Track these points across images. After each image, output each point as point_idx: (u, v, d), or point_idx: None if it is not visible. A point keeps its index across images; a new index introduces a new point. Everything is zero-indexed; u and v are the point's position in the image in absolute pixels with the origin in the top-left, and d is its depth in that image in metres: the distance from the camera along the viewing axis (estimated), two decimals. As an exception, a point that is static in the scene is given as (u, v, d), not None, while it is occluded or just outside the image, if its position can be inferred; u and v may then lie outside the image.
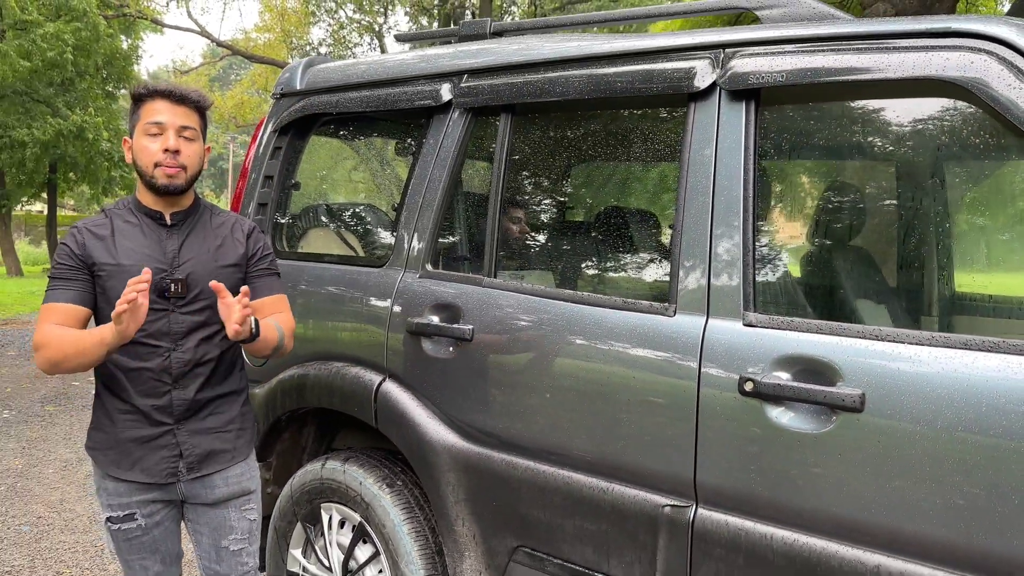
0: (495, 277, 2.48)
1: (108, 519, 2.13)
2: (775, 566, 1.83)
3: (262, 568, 2.84)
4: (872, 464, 1.71)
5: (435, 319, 2.52)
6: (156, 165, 2.04)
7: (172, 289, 2.06)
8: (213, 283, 1.95)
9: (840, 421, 1.75)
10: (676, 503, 2.00)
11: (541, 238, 3.11)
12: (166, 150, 2.03)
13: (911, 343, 1.71)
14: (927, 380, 1.67)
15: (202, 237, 2.14)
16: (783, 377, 1.85)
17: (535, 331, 2.30)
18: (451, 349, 2.48)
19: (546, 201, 3.25)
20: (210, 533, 2.23)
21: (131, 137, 2.10)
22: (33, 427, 6.45)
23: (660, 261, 2.61)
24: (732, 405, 1.91)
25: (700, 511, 1.97)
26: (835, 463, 1.75)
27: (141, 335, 2.02)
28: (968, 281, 3.15)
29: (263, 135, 3.21)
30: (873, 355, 1.75)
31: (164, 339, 2.06)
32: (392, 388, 2.63)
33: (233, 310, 1.94)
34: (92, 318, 2.10)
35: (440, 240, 2.69)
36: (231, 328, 1.94)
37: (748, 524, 1.88)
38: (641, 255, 2.80)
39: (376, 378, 2.68)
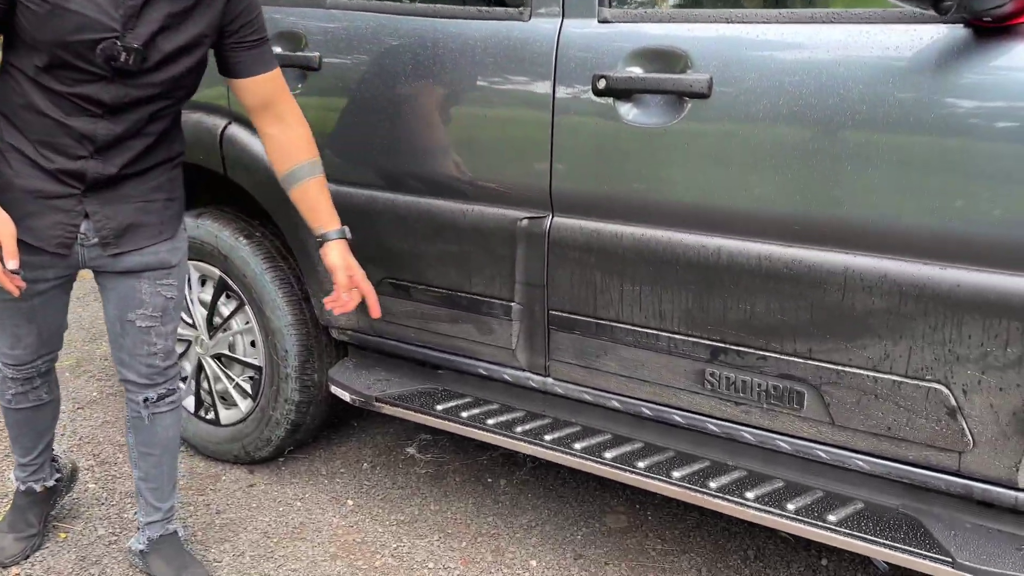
0: (340, -2, 2.28)
1: None
2: (625, 260, 1.87)
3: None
4: (718, 149, 1.72)
5: (277, 49, 2.31)
6: None
7: (123, 59, 1.61)
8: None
9: (689, 110, 1.74)
10: (533, 215, 2.00)
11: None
12: None
13: (759, 22, 1.68)
14: (772, 58, 1.66)
15: None
16: (636, 72, 1.80)
17: (388, 52, 2.15)
18: (299, 85, 2.30)
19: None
20: (117, 302, 1.93)
21: None
22: None
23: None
24: (586, 106, 1.87)
25: (556, 219, 1.97)
26: (683, 154, 1.76)
27: (67, 89, 1.64)
28: None
29: None
30: (722, 39, 1.71)
31: (95, 105, 1.67)
32: (238, 131, 2.46)
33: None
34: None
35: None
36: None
37: (600, 225, 1.90)
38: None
39: (220, 122, 2.49)
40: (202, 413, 2.81)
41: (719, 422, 1.91)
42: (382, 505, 2.55)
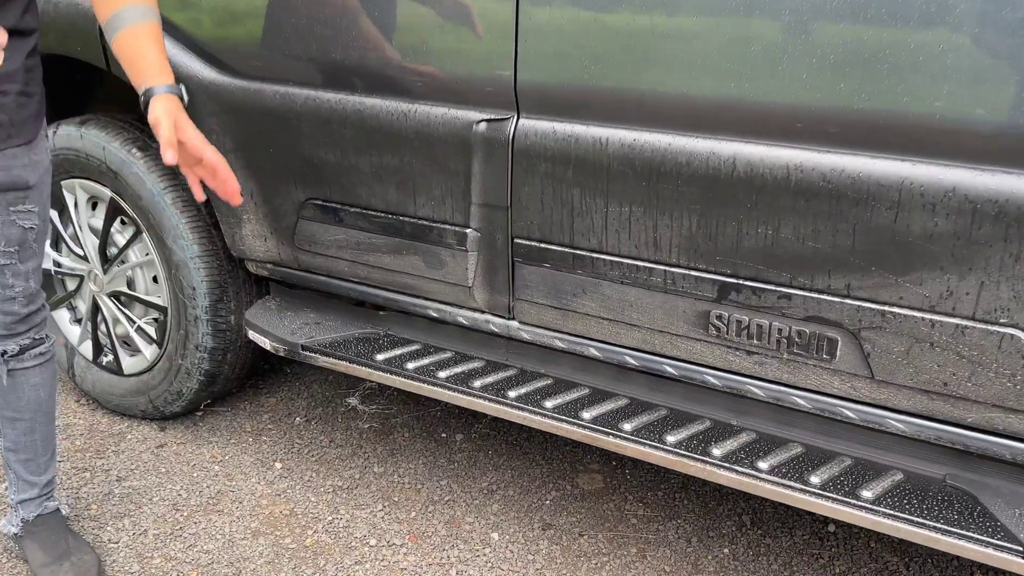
0: None
1: None
2: (611, 174, 1.47)
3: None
4: (735, 21, 1.31)
5: (164, -96, 1.80)
6: None
7: None
8: None
9: (699, -28, 1.32)
10: (493, 116, 1.57)
11: None
12: None
13: None
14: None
15: None
16: (628, -79, 1.36)
17: (301, -95, 1.66)
18: (195, -48, 1.81)
19: None
20: None
21: None
22: None
23: None
24: (562, -30, 1.43)
25: (522, 122, 1.55)
26: (689, 27, 1.35)
27: None
28: None
29: None
30: None
31: None
32: (122, 14, 1.95)
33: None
34: None
35: None
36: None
37: (579, 129, 1.49)
38: None
39: (99, 2, 1.98)
40: (102, 360, 2.38)
41: (722, 374, 1.55)
42: (316, 468, 2.17)
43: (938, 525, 1.30)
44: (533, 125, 1.53)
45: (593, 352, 1.68)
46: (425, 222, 1.72)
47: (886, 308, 1.31)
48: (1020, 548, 1.24)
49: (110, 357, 2.35)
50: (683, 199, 1.42)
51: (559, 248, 1.58)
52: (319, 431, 2.34)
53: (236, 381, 2.37)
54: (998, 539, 1.26)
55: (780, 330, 1.42)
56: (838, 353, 1.39)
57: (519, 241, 1.62)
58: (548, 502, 2.05)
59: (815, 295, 1.37)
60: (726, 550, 1.89)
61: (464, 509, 2.02)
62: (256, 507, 2.03)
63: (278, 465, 2.19)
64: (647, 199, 1.45)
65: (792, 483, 1.42)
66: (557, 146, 1.51)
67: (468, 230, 1.67)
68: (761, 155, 1.34)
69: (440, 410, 2.42)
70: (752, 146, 1.35)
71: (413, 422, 2.38)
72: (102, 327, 2.35)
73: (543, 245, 1.60)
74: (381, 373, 1.80)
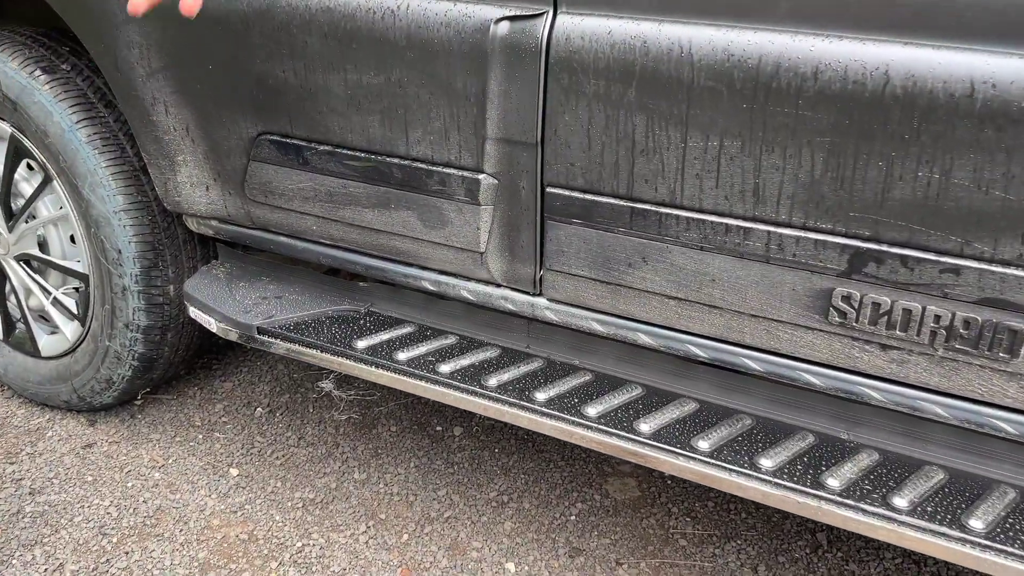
0: None
1: None
2: (694, 92, 1.02)
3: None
4: None
5: None
6: None
7: None
8: None
9: None
10: (519, 12, 1.11)
11: None
12: None
13: None
14: None
15: None
16: None
17: None
18: None
19: None
20: None
21: None
22: None
23: None
24: None
25: (562, 19, 1.09)
26: None
27: None
28: None
29: None
30: None
31: None
32: None
33: None
34: None
35: None
36: None
37: (647, 28, 1.04)
38: None
39: None
40: (14, 338, 1.92)
41: (832, 373, 1.13)
42: (282, 476, 1.74)
43: None
44: (578, 24, 1.08)
45: (645, 340, 1.25)
46: (421, 165, 1.26)
47: (1113, 289, 0.89)
48: None
49: (24, 335, 1.89)
50: (804, 128, 0.98)
51: (612, 201, 1.14)
52: (285, 425, 1.90)
53: (181, 365, 1.92)
54: None
55: (938, 317, 1.00)
56: (1022, 350, 0.97)
57: (553, 191, 1.17)
58: (573, 517, 1.65)
59: (998, 268, 0.94)
60: (802, 581, 1.50)
61: (470, 529, 1.61)
62: (205, 529, 1.60)
63: (234, 472, 1.75)
64: (749, 129, 1.01)
65: (943, 529, 1.01)
66: (614, 53, 1.05)
67: (481, 176, 1.22)
68: (930, 62, 0.90)
69: (434, 397, 1.99)
70: (915, 49, 0.91)
71: (400, 411, 1.95)
72: (11, 298, 1.88)
73: (589, 196, 1.15)
74: (363, 367, 1.36)
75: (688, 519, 1.65)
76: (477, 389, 1.28)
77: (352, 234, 1.40)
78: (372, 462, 1.79)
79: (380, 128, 1.27)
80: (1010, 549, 0.98)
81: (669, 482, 1.74)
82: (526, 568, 1.52)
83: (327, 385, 2.04)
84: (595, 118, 1.10)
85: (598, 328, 1.28)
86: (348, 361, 1.38)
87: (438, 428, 1.90)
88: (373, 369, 1.36)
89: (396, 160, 1.28)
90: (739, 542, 1.59)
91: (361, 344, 1.39)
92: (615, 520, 1.64)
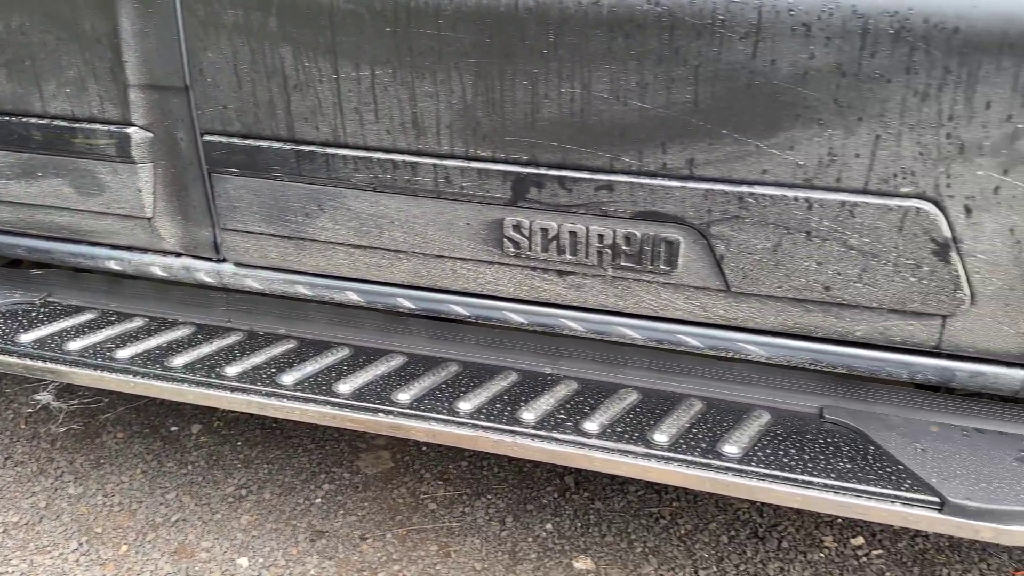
0: None
1: None
2: (337, 16, 0.95)
3: None
4: None
5: None
6: None
7: None
8: None
9: None
10: (144, -58, 0.99)
11: None
12: None
13: None
14: None
15: None
16: None
17: None
18: None
19: None
20: None
21: None
22: None
23: None
24: None
25: (191, -53, 0.98)
26: None
27: None
28: None
29: None
30: None
31: None
32: None
33: None
34: None
35: None
36: None
37: (282, -50, 0.95)
38: None
39: None
40: None
41: (529, 308, 1.11)
42: (-22, 503, 1.52)
43: (829, 482, 0.95)
44: (207, -50, 0.97)
45: (352, 296, 1.18)
46: (63, 123, 1.11)
47: (744, 189, 0.92)
48: (936, 500, 0.92)
49: None
50: (449, 51, 0.93)
51: (274, 144, 1.05)
52: (-12, 446, 1.66)
53: None
54: (907, 490, 0.93)
55: (602, 237, 0.99)
56: (680, 261, 0.98)
57: (211, 139, 1.07)
58: (319, 500, 1.55)
59: (646, 180, 0.95)
60: (548, 526, 1.50)
61: (200, 530, 1.47)
62: None
63: (-85, 507, 1.51)
64: (397, 56, 0.95)
65: (632, 447, 1.02)
66: (248, -19, 0.96)
67: (131, 129, 1.09)
68: (557, -29, 0.88)
69: (169, 395, 1.82)
70: (543, -43, 0.89)
71: (131, 416, 1.77)
72: None
73: (250, 142, 1.05)
74: (26, 362, 1.19)
75: (440, 482, 1.60)
76: (158, 373, 1.15)
77: (4, 212, 1.22)
78: (92, 474, 1.60)
79: (8, 84, 1.10)
80: (690, 458, 1.00)
81: (424, 448, 1.69)
82: (260, 560, 1.41)
83: (44, 397, 1.81)
84: (240, 52, 1.00)
85: (302, 290, 1.19)
86: (11, 358, 1.20)
87: (173, 428, 1.74)
88: (36, 364, 1.18)
89: (34, 120, 1.12)
90: (489, 497, 1.56)
91: (25, 338, 1.22)
92: (364, 496, 1.56)
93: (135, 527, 1.47)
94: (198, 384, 1.13)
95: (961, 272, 0.89)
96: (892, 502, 0.92)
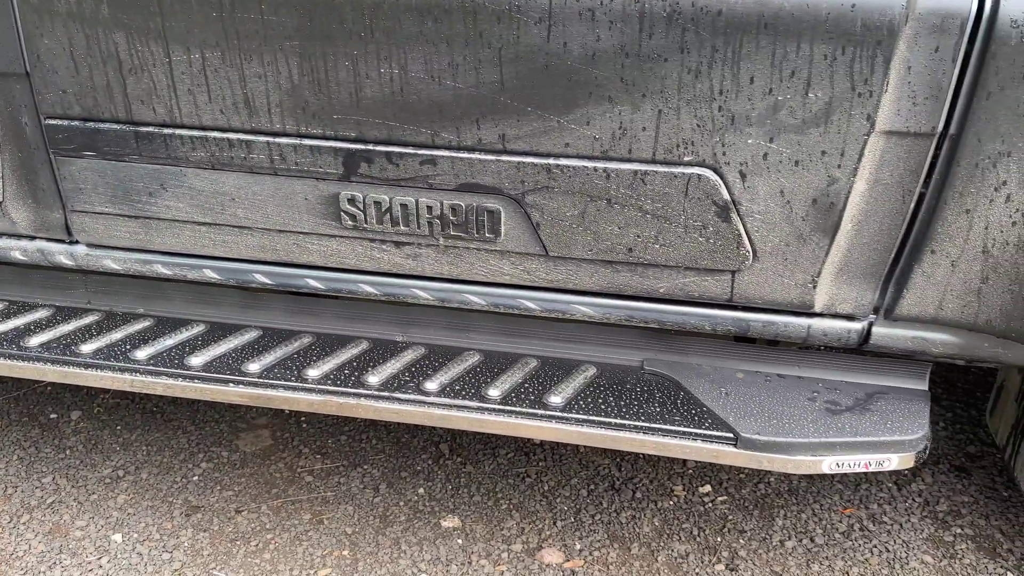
0: None
1: None
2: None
3: None
4: None
5: None
6: None
7: None
8: None
9: None
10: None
11: None
12: None
13: None
14: None
15: None
16: None
17: None
18: None
19: None
20: None
21: None
22: None
23: None
24: None
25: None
26: None
27: None
28: None
29: None
30: None
31: None
32: None
33: None
34: None
35: None
36: None
37: (109, -62, 0.99)
38: None
39: None
40: None
41: (378, 279, 1.18)
42: None
43: (637, 424, 1.05)
44: (35, -63, 1.00)
45: (210, 274, 1.22)
46: (-98, 109, 1.12)
47: (551, 161, 1.01)
48: (731, 436, 1.03)
49: None
50: (273, 33, 0.99)
51: (114, 126, 1.08)
52: None
53: None
54: (706, 428, 1.04)
55: (431, 208, 1.07)
56: (503, 229, 1.07)
57: (53, 122, 1.10)
58: (196, 478, 1.59)
59: (464, 155, 1.02)
60: (420, 490, 1.57)
61: (75, 510, 1.50)
62: None
63: None
64: (225, 39, 1.00)
65: (466, 402, 1.10)
66: (77, -32, 1.00)
67: (-29, 114, 1.11)
68: (369, -41, 0.95)
69: (50, 384, 1.83)
70: (355, -53, 0.95)
71: (8, 405, 1.76)
72: None
73: (90, 124, 1.09)
74: None
75: (318, 456, 1.66)
76: (5, 351, 1.18)
77: None
78: (-35, 463, 1.60)
79: None
80: (519, 409, 1.08)
81: (304, 425, 1.74)
82: (135, 535, 1.44)
83: (-85, 390, 1.79)
84: (75, 39, 1.03)
85: (160, 269, 1.23)
86: None
87: (52, 416, 1.74)
88: None
89: None
90: (366, 467, 1.63)
91: None
92: (241, 472, 1.61)
93: (9, 511, 1.49)
94: (53, 362, 1.16)
95: (742, 231, 0.99)
96: (693, 439, 1.03)
